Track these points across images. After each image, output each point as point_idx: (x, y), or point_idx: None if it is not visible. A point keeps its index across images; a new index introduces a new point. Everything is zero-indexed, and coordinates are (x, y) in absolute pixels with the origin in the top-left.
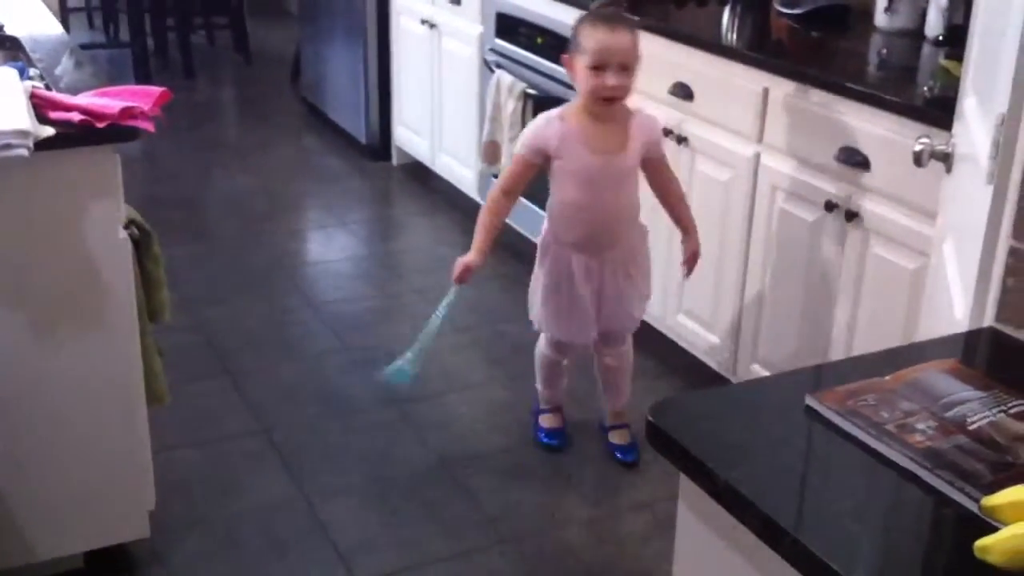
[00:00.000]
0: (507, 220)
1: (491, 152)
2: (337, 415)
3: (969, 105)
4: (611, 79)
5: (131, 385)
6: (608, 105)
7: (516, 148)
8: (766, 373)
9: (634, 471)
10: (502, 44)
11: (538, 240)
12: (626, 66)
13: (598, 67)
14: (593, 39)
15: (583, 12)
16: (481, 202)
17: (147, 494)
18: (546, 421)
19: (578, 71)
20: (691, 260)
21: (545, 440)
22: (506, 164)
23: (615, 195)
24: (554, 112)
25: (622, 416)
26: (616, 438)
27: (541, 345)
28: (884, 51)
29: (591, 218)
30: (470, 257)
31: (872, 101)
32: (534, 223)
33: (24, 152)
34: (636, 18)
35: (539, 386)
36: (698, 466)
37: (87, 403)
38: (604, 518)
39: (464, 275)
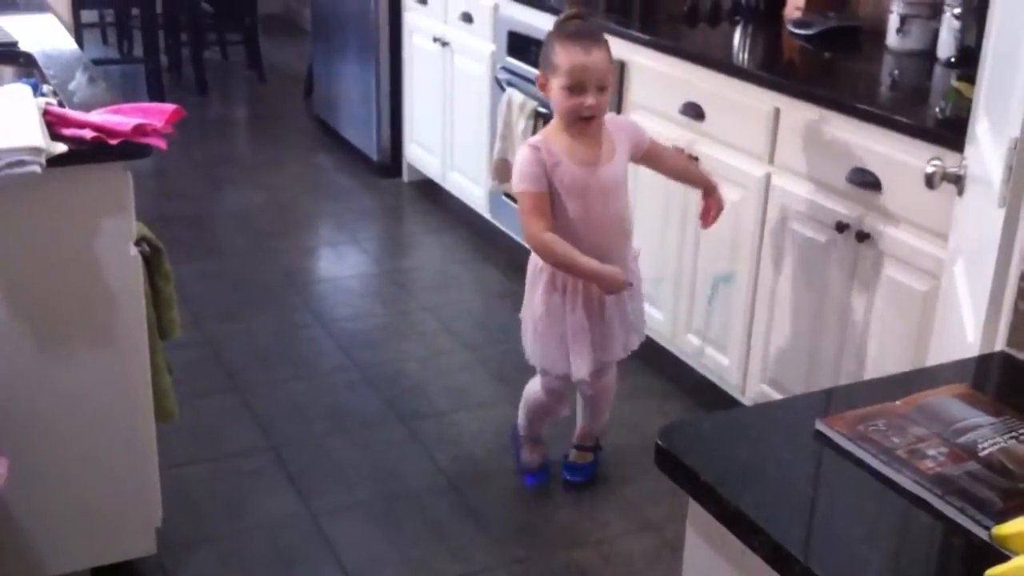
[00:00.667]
0: (517, 237)
1: (502, 170)
2: (345, 432)
3: (982, 128)
4: (590, 99)
5: (140, 402)
6: (587, 125)
7: (516, 189)
8: (776, 394)
9: (645, 491)
10: (513, 62)
11: (528, 271)
12: (603, 86)
13: (575, 88)
14: (568, 60)
15: (551, 27)
16: (491, 220)
17: (154, 510)
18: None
19: (553, 91)
20: (714, 212)
21: (529, 482)
22: None
23: (605, 207)
24: (529, 143)
25: (588, 439)
26: (574, 456)
27: (536, 390)
28: (896, 72)
29: (585, 234)
30: (611, 270)
31: (884, 122)
32: None
33: (37, 169)
34: (602, 27)
35: (523, 420)
36: (707, 491)
37: (96, 419)
38: (612, 539)
39: (621, 287)
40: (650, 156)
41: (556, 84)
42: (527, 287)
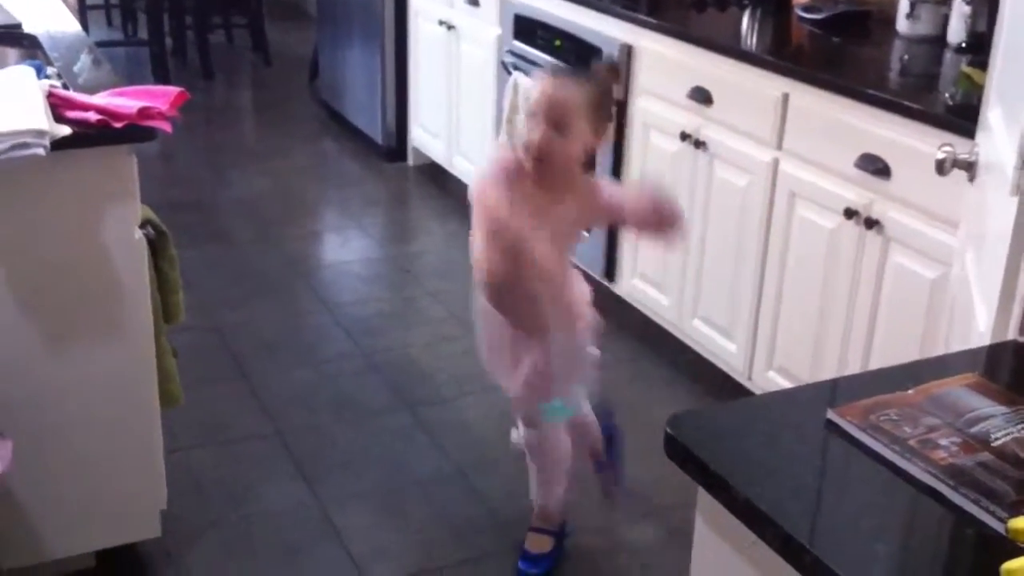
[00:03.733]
0: None
1: None
2: (351, 419)
3: (994, 115)
4: (538, 135)
5: (145, 385)
6: (536, 168)
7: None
8: (782, 380)
9: (650, 477)
10: (520, 46)
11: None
12: (559, 124)
13: (531, 120)
14: (536, 90)
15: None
16: None
17: (159, 494)
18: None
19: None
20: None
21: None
22: None
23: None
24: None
25: (541, 519)
26: (529, 542)
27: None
28: (906, 57)
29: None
30: None
31: (893, 108)
32: None
33: (41, 151)
34: (595, 75)
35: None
36: (717, 480)
37: (100, 403)
38: (618, 525)
39: None
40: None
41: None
42: None
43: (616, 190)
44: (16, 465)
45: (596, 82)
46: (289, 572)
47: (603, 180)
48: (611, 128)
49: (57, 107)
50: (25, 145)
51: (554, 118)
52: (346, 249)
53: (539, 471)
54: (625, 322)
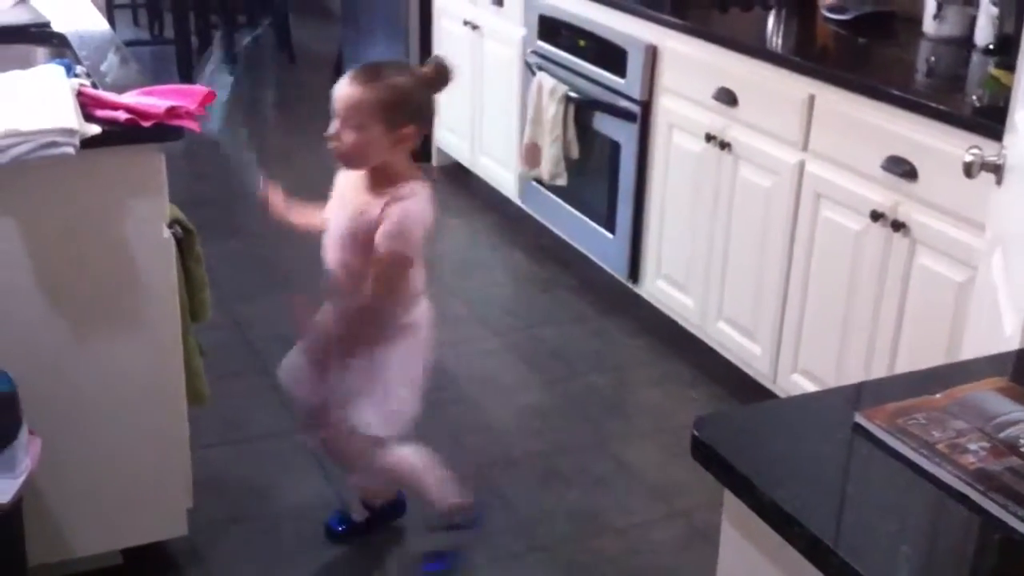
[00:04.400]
0: (547, 224)
1: (532, 155)
2: None
3: (1021, 117)
4: (331, 127)
5: (172, 384)
6: (337, 157)
7: None
8: (807, 383)
9: (673, 479)
10: (544, 46)
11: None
12: (350, 122)
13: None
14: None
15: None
16: (520, 205)
17: (185, 492)
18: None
19: None
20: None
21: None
22: (547, 168)
23: (342, 249)
24: None
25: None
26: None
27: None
28: (932, 59)
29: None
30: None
31: (920, 109)
32: (579, 230)
33: (70, 150)
34: (400, 73)
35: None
36: (744, 483)
37: (128, 401)
38: (640, 526)
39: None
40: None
41: None
42: None
43: (394, 223)
44: (44, 463)
45: (398, 82)
46: (313, 567)
47: (410, 204)
48: (419, 131)
49: (86, 106)
50: (55, 144)
51: (345, 117)
52: None
53: (409, 487)
54: (648, 324)
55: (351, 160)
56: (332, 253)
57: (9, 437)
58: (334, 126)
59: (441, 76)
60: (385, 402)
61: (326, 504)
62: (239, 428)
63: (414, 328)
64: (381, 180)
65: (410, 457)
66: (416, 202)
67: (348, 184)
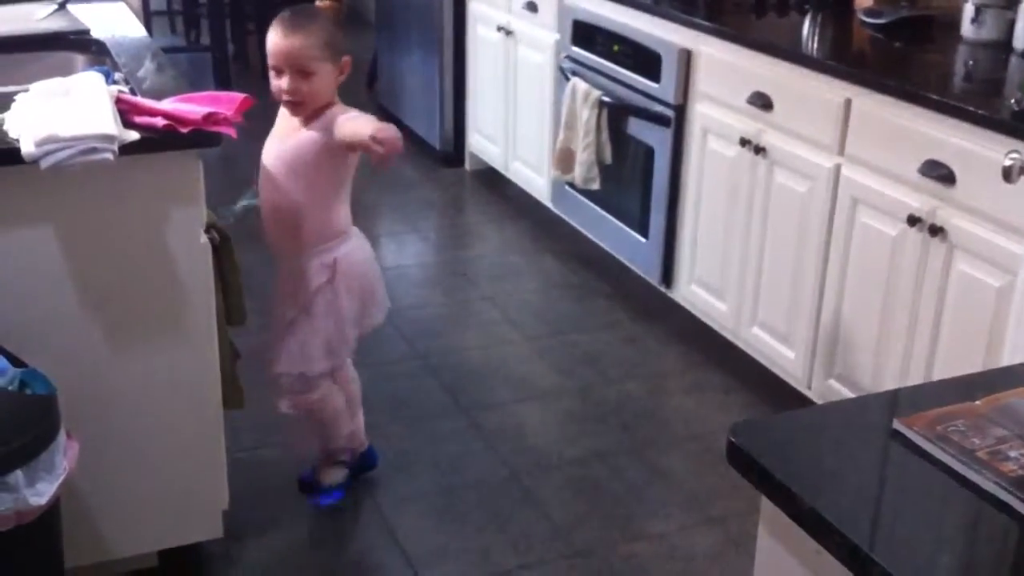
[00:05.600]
0: (580, 228)
1: (565, 160)
2: (407, 422)
3: None
4: (284, 82)
5: (208, 388)
6: (294, 109)
7: None
8: (843, 389)
9: (708, 486)
10: (578, 52)
11: None
12: (302, 70)
13: (273, 70)
14: (269, 41)
15: None
16: (554, 209)
17: (221, 495)
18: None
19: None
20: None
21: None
22: (580, 173)
23: (270, 191)
24: None
25: (335, 454)
26: (323, 476)
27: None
28: (971, 63)
29: (264, 215)
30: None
31: (958, 113)
32: (613, 235)
33: (109, 156)
34: (326, 14)
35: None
36: (782, 490)
37: (164, 404)
38: (674, 533)
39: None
40: (338, 136)
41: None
42: None
43: (344, 117)
44: (82, 465)
45: (323, 21)
46: (346, 572)
47: (349, 110)
48: (350, 59)
49: (125, 112)
50: (94, 150)
51: (294, 67)
52: (403, 253)
53: (320, 426)
54: (681, 330)
55: (306, 106)
56: (266, 194)
57: (47, 440)
58: (284, 80)
59: (339, 7)
60: (309, 338)
61: (361, 510)
62: (276, 432)
63: (339, 264)
64: (316, 113)
65: (334, 399)
66: (350, 114)
67: (283, 127)
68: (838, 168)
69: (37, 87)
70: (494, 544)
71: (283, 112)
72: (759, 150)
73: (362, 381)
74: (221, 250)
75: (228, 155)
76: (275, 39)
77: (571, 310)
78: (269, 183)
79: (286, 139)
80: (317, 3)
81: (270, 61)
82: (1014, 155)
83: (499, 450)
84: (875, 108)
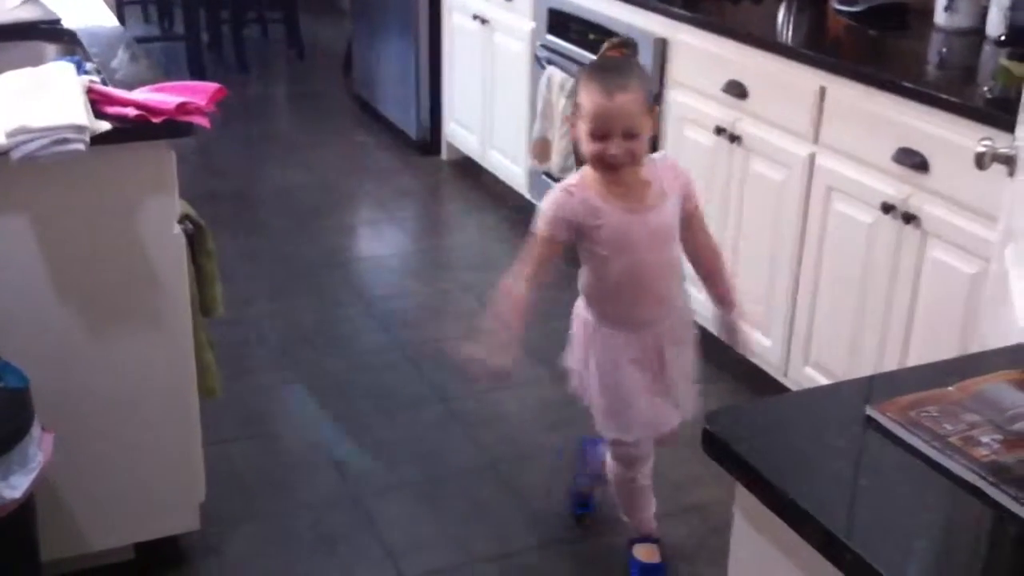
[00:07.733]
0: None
1: (541, 149)
2: (386, 411)
3: None
4: (613, 148)
5: (183, 378)
6: (615, 172)
7: (537, 227)
8: (819, 376)
9: (686, 472)
10: (554, 40)
11: (572, 333)
12: (631, 133)
13: (597, 135)
14: (591, 103)
15: (592, 59)
16: (531, 199)
17: (198, 487)
18: (642, 554)
19: (580, 134)
20: (736, 335)
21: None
22: (556, 162)
23: (657, 254)
24: (564, 188)
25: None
26: (640, 554)
27: (609, 464)
28: (944, 50)
29: (638, 287)
30: (501, 360)
31: (931, 101)
32: None
33: (80, 147)
34: (642, 66)
35: (624, 517)
36: (756, 477)
37: (139, 395)
38: (655, 522)
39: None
40: (687, 221)
41: (582, 126)
42: (575, 355)
43: (691, 179)
44: (57, 458)
45: (638, 72)
46: (325, 562)
47: (672, 160)
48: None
49: (96, 103)
50: (65, 140)
51: (627, 130)
52: (380, 242)
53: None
54: None
55: (629, 164)
56: (651, 258)
57: (22, 432)
58: (613, 144)
59: (634, 48)
60: (603, 405)
61: (340, 501)
62: (254, 424)
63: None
64: (633, 173)
65: (610, 469)
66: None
67: (609, 191)
68: (813, 156)
69: (7, 77)
70: (474, 533)
71: (608, 183)
72: (734, 139)
73: (340, 372)
74: (196, 240)
75: (201, 145)
76: (600, 101)
77: (548, 300)
78: (663, 251)
79: (642, 204)
80: (607, 52)
81: (593, 124)
82: (987, 142)
83: (478, 439)
84: (849, 96)
